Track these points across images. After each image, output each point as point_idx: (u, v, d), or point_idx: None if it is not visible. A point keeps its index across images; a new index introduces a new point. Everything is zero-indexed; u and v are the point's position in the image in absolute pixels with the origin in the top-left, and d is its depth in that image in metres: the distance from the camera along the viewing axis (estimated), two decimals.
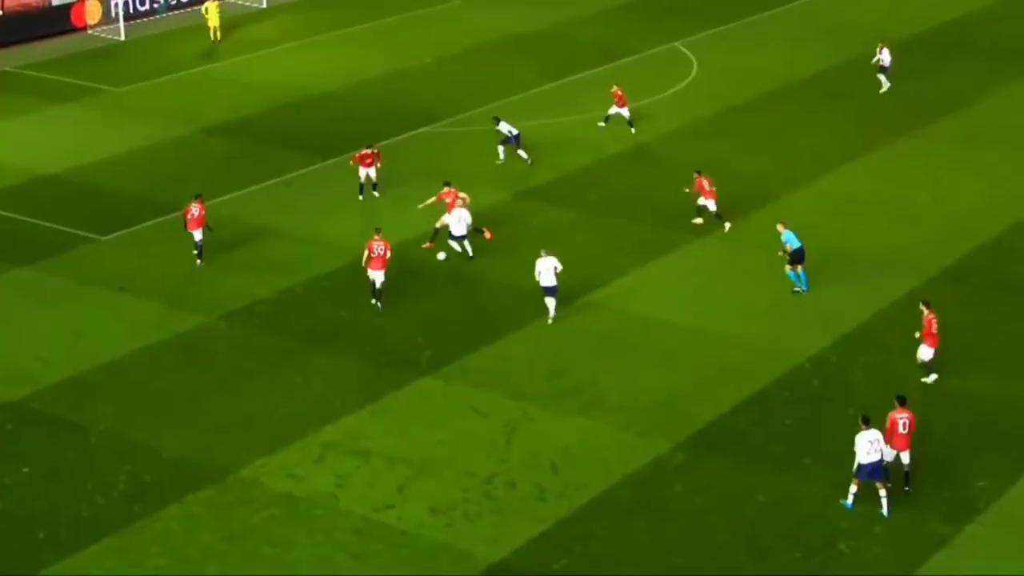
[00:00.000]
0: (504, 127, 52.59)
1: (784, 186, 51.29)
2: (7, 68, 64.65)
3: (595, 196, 50.53)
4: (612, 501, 33.32)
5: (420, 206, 46.56)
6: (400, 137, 55.83)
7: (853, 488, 32.29)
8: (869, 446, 31.94)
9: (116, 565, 31.07)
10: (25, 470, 34.45)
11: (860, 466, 32.10)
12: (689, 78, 62.94)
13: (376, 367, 39.14)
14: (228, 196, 50.40)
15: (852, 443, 32.36)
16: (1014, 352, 39.90)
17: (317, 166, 53.20)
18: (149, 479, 34.13)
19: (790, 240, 42.80)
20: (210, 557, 31.34)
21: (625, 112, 55.47)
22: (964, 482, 33.85)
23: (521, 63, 64.52)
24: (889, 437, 32.74)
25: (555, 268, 40.93)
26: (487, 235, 45.27)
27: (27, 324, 41.83)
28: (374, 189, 50.31)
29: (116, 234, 47.71)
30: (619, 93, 55.35)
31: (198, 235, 44.77)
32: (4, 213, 49.28)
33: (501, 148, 52.76)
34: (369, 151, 50.22)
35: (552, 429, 36.16)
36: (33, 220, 48.66)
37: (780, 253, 42.86)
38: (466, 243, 44.88)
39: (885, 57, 60.16)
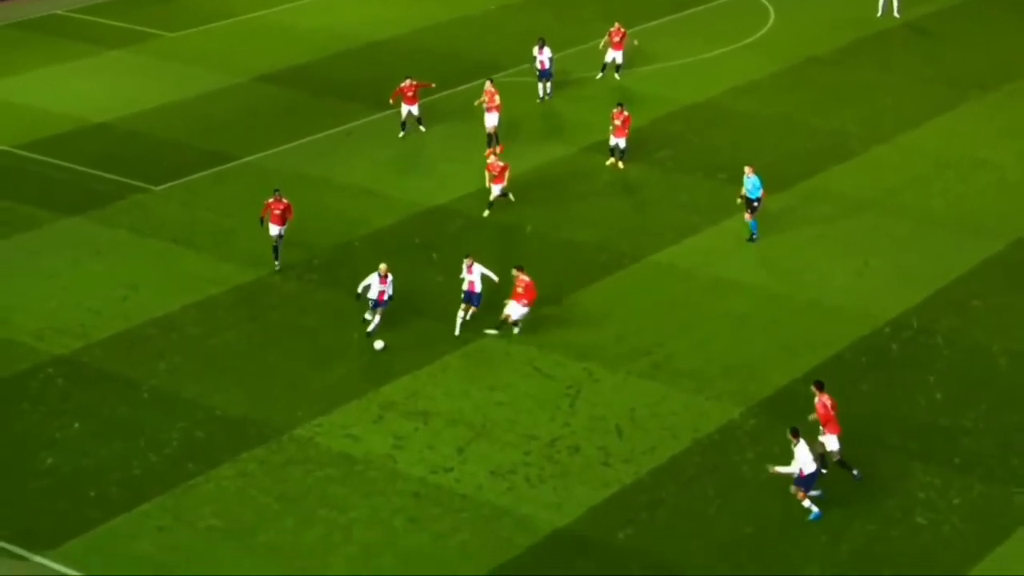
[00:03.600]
0: (543, 54, 52.98)
1: (863, 143, 50.81)
2: (59, 11, 64.95)
3: (666, 151, 50.25)
4: (680, 468, 33.23)
5: None
6: (460, 88, 55.69)
7: (806, 503, 31.32)
8: (809, 456, 31.09)
9: (169, 524, 31.36)
10: (76, 425, 34.77)
11: (809, 476, 31.04)
12: (765, 27, 62.35)
13: (436, 325, 39.16)
14: (283, 147, 50.54)
15: (932, 411, 32.11)
16: None
17: (374, 117, 53.16)
18: (202, 437, 34.36)
19: (751, 186, 42.35)
20: (264, 518, 31.54)
21: (619, 57, 54.51)
22: None
23: (589, 11, 64.11)
24: (825, 424, 32.02)
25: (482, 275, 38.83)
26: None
27: (79, 276, 42.17)
28: (420, 124, 50.31)
29: (169, 184, 47.96)
30: (618, 32, 54.47)
31: (275, 230, 42.08)
32: (55, 161, 49.58)
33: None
34: (410, 83, 50.09)
35: (618, 392, 36.07)
36: (85, 169, 48.95)
37: (739, 200, 42.53)
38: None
39: None
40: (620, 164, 48.00)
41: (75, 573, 29.87)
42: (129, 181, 47.95)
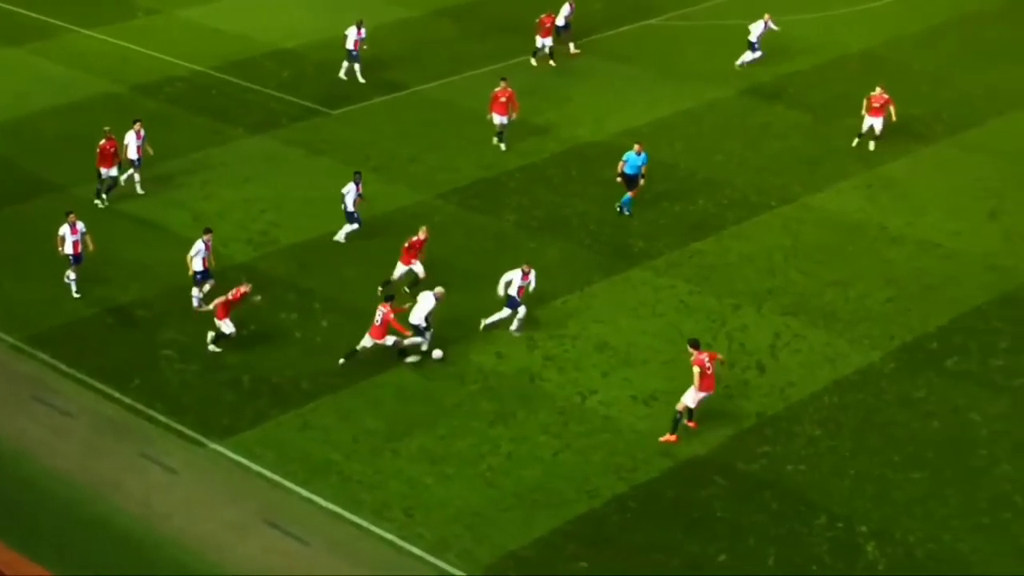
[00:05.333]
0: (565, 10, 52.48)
1: (1015, 98, 50.13)
2: None
3: (818, 98, 50.12)
4: (817, 406, 33.56)
5: None
6: (621, 29, 55.97)
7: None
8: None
9: (333, 424, 32.63)
10: (252, 327, 36.11)
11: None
12: None
13: (588, 254, 39.81)
14: (456, 77, 51.50)
15: None
16: None
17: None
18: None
19: (633, 163, 41.10)
20: (419, 425, 32.65)
21: (548, 42, 52.27)
22: None
23: None
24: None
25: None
26: None
27: (262, 189, 43.61)
28: (551, 58, 51.04)
29: (344, 109, 49.20)
30: (547, 20, 52.28)
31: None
32: (243, 83, 51.14)
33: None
34: (548, 16, 50.92)
35: (760, 328, 36.42)
36: (270, 91, 50.41)
37: (618, 179, 41.62)
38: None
39: None
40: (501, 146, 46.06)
41: (247, 462, 31.35)
42: (309, 104, 49.29)
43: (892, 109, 45.31)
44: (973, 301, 37.80)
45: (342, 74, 51.06)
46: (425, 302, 34.89)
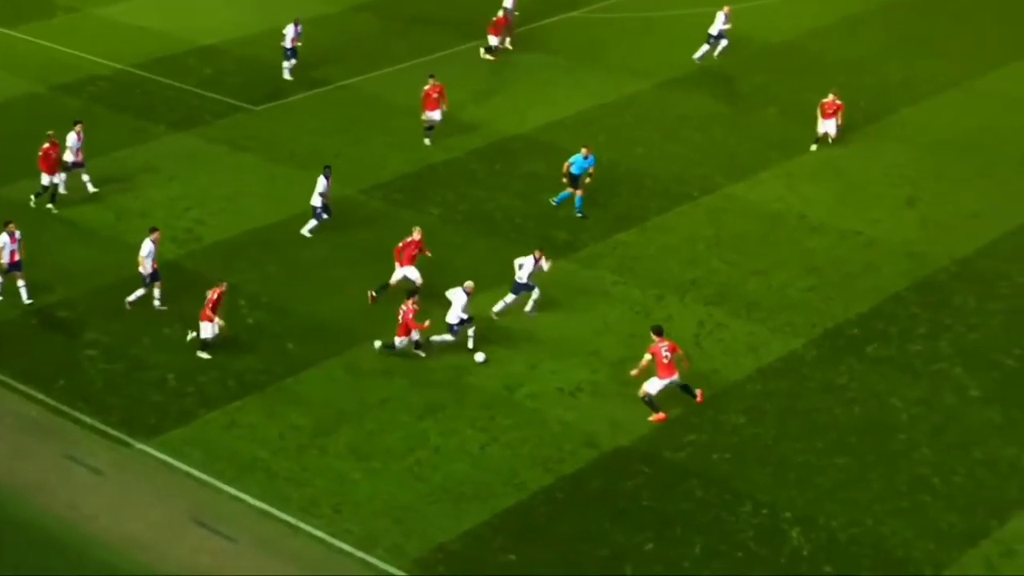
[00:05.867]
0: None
1: (933, 87, 50.62)
2: None
3: (738, 90, 50.37)
4: (741, 394, 33.68)
5: None
6: (544, 22, 55.99)
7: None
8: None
9: (259, 421, 32.37)
10: (178, 326, 35.75)
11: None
12: None
13: (513, 247, 39.66)
14: (380, 72, 51.29)
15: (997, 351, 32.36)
16: None
17: (461, 48, 53.66)
18: (292, 342, 35.28)
19: (579, 164, 40.88)
20: (346, 421, 32.45)
21: (497, 40, 52.42)
22: None
23: None
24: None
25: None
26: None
27: (186, 187, 43.16)
28: (491, 53, 51.17)
29: (268, 105, 48.85)
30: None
31: (46, 179, 40.91)
32: (165, 80, 50.63)
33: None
34: (502, 17, 50.84)
35: (684, 318, 36.52)
36: (192, 88, 49.96)
37: (564, 180, 41.34)
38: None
39: None
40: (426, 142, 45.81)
41: (174, 461, 31.02)
42: (232, 101, 48.89)
43: (841, 115, 45.18)
44: (892, 288, 38.13)
45: (287, 75, 50.52)
46: (457, 300, 34.62)
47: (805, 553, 28.62)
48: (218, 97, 49.27)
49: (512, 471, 30.96)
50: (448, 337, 34.67)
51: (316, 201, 39.96)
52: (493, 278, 37.98)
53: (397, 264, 37.09)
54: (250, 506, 29.73)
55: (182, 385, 33.61)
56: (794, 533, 29.14)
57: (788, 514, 29.64)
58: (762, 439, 32.12)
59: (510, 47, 53.11)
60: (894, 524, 29.45)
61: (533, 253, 36.42)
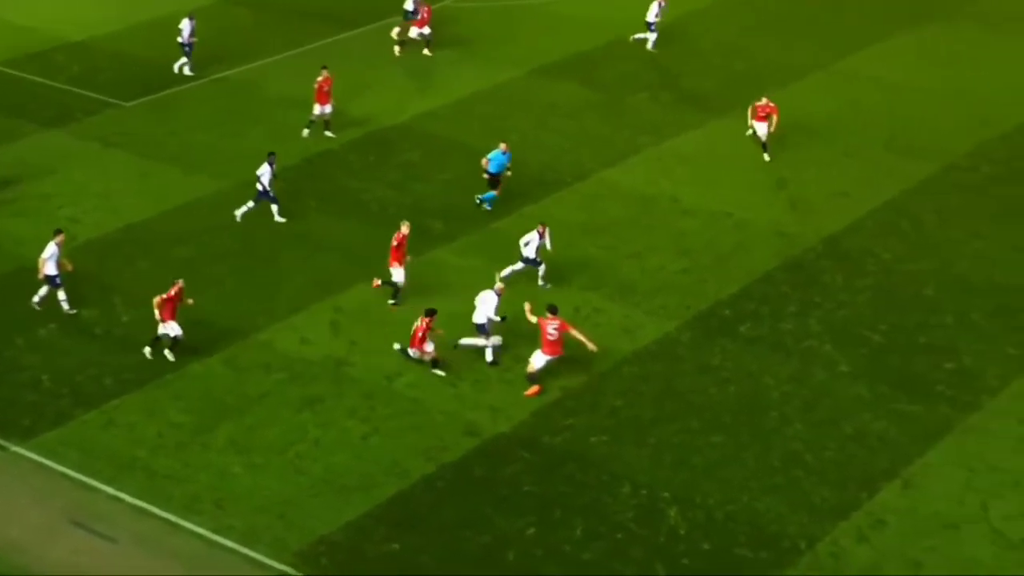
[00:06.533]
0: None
1: (800, 70, 51.22)
2: None
3: (608, 76, 50.55)
4: (618, 377, 33.83)
5: None
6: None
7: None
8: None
9: (138, 420, 31.85)
10: (53, 325, 35.12)
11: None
12: None
13: (389, 238, 39.46)
14: (255, 64, 50.73)
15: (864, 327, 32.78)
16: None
17: (341, 36, 53.28)
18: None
19: (495, 161, 40.75)
20: (226, 416, 32.11)
21: (425, 32, 51.64)
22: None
23: None
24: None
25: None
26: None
27: (59, 184, 42.30)
28: (427, 47, 50.93)
29: (140, 100, 48.09)
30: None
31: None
32: (34, 78, 49.58)
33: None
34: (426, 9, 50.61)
35: (560, 303, 36.20)
36: (61, 85, 48.99)
37: (483, 175, 41.37)
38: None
39: None
40: (327, 134, 45.33)
41: (50, 463, 30.40)
42: (102, 97, 48.03)
43: (775, 119, 44.17)
44: (763, 268, 38.53)
45: (188, 70, 49.68)
46: (488, 301, 34.16)
47: (683, 532, 28.85)
48: (89, 94, 48.34)
49: (393, 461, 30.83)
50: (480, 341, 34.21)
51: (259, 187, 39.75)
52: (369, 269, 37.80)
53: (396, 263, 36.44)
54: (130, 505, 29.26)
55: (57, 386, 32.98)
56: (672, 512, 29.36)
57: (666, 494, 29.85)
58: (639, 421, 32.31)
59: (400, 40, 52.62)
60: (769, 500, 29.78)
61: (536, 228, 36.82)
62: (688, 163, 44.47)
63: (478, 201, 40.99)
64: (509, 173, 41.34)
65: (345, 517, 29.10)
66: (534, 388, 32.80)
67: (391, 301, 36.44)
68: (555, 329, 32.53)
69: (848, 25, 55.45)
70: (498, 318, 34.38)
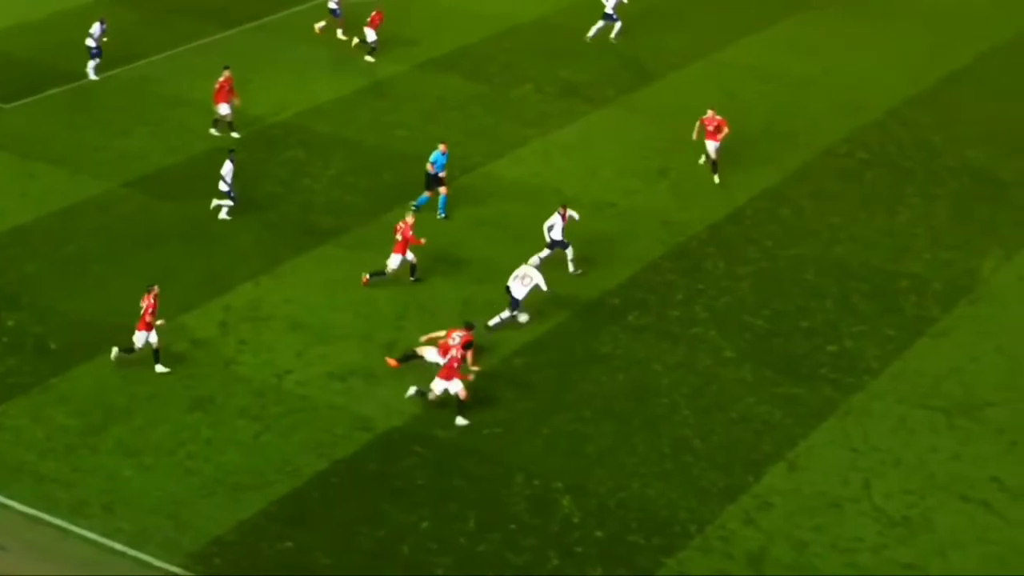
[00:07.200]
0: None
1: (679, 60, 51.44)
2: None
3: (492, 69, 50.38)
4: (510, 368, 33.65)
5: None
6: (295, 9, 55.19)
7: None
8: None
9: (25, 424, 31.10)
10: None
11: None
12: None
13: (278, 235, 39.09)
14: (138, 63, 49.83)
15: (747, 313, 33.00)
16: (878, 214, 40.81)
17: (218, 36, 52.51)
18: (57, 341, 34.00)
19: (438, 163, 40.30)
20: (115, 418, 31.46)
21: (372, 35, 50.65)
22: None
23: None
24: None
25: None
26: None
27: None
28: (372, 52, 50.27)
29: (20, 101, 46.98)
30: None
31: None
32: None
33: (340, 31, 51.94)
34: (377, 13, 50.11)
35: (449, 298, 36.28)
36: None
37: (430, 170, 40.86)
38: None
39: None
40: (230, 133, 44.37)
41: None
42: None
43: (726, 130, 42.26)
44: (649, 256, 38.60)
45: (93, 74, 48.40)
46: (531, 275, 34.76)
47: (576, 520, 28.79)
48: None
49: (286, 458, 30.40)
50: (505, 314, 34.69)
51: (223, 186, 39.17)
52: (257, 265, 37.33)
53: (395, 253, 36.46)
54: (18, 512, 28.53)
55: None
56: (565, 502, 29.28)
57: (559, 484, 29.77)
58: (532, 412, 32.20)
59: (320, 29, 51.98)
60: (659, 486, 29.83)
61: (558, 210, 36.96)
62: (572, 154, 44.47)
63: (414, 207, 39.73)
64: (443, 173, 40.50)
65: (238, 516, 28.63)
66: (394, 361, 32.75)
67: (411, 278, 36.73)
68: (458, 341, 31.84)
69: (725, 16, 55.76)
70: (546, 289, 34.80)
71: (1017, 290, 37.39)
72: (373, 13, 50.74)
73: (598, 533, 28.49)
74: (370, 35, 50.46)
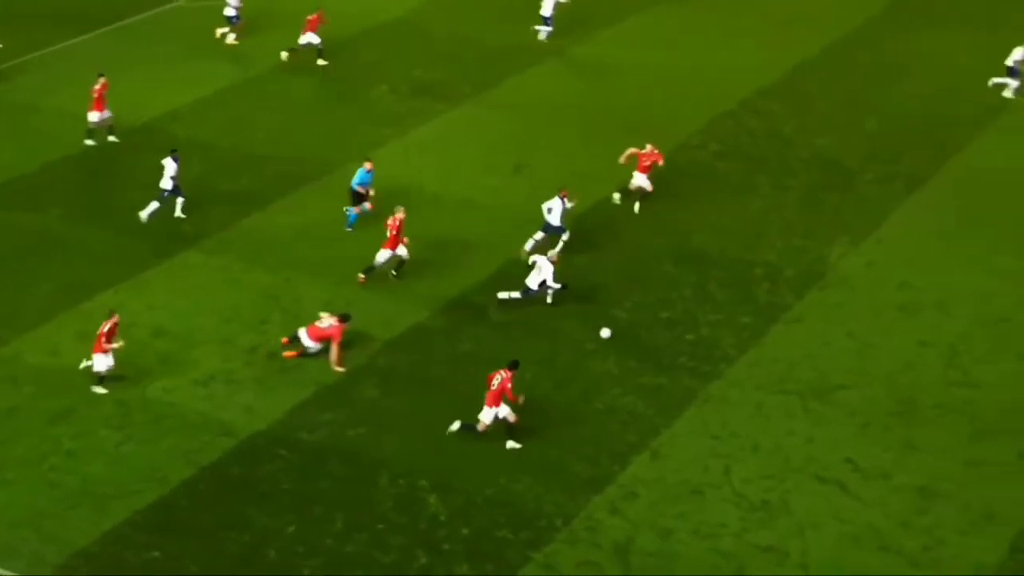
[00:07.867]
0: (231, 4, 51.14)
1: (535, 56, 51.62)
2: None
3: (350, 69, 50.08)
4: (373, 368, 33.57)
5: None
6: (148, 13, 54.38)
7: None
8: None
9: None
10: None
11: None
12: None
13: (138, 241, 38.46)
14: None
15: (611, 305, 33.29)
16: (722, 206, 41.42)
17: (73, 42, 51.51)
18: None
19: (361, 180, 39.74)
20: None
21: (313, 39, 49.82)
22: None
23: None
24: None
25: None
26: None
27: None
28: (320, 56, 49.66)
29: None
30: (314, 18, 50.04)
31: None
32: None
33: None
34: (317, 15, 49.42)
35: (313, 299, 36.02)
36: None
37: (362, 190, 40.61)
38: None
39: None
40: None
41: None
42: None
43: (660, 164, 41.27)
44: (509, 252, 38.68)
45: None
46: (544, 269, 35.12)
47: (443, 518, 28.79)
48: None
49: (151, 466, 29.98)
50: (515, 294, 35.38)
51: (167, 184, 38.62)
52: (118, 273, 36.76)
53: (385, 248, 36.31)
54: None
55: None
56: (432, 500, 29.27)
57: (424, 482, 29.74)
58: (396, 411, 32.13)
59: (222, 35, 51.17)
60: (526, 480, 29.95)
61: (558, 194, 37.43)
62: (430, 153, 44.41)
63: (347, 228, 39.40)
64: (372, 192, 39.88)
65: (103, 527, 28.20)
66: (288, 344, 33.07)
67: (394, 272, 36.77)
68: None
69: (580, 10, 56.03)
70: (558, 285, 35.20)
71: (864, 276, 38.21)
72: (310, 16, 49.86)
73: (465, 530, 28.53)
74: (314, 39, 49.57)
